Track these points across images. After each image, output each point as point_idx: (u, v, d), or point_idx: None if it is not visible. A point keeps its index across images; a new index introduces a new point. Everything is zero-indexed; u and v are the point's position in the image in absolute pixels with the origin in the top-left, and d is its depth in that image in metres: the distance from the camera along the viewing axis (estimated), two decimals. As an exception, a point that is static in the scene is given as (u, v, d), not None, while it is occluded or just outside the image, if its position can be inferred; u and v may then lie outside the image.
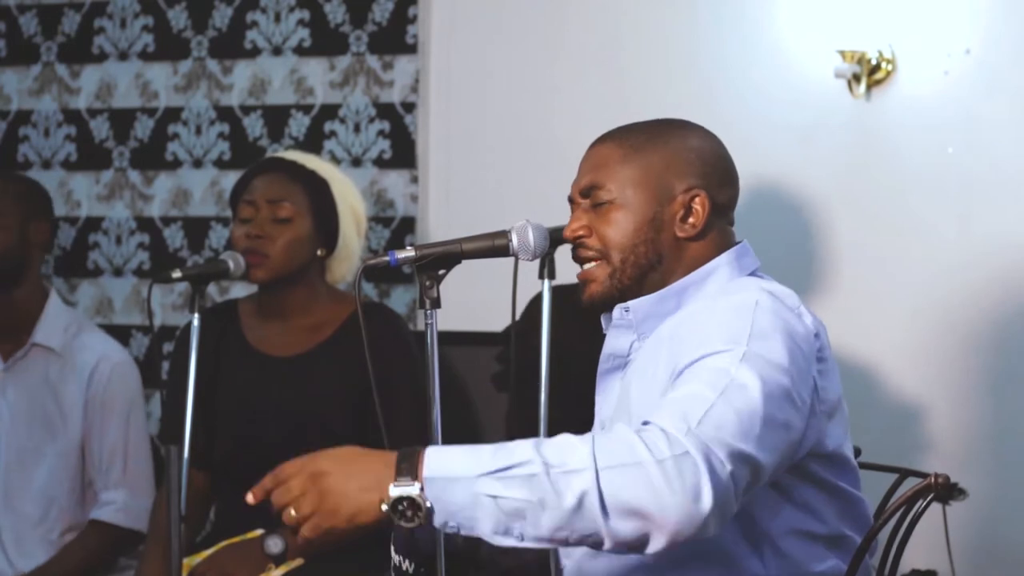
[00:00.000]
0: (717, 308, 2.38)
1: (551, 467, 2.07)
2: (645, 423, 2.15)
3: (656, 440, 2.09)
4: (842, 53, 3.94)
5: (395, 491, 2.09)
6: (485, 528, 2.10)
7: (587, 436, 2.12)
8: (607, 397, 2.59)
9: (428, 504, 2.09)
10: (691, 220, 2.51)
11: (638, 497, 2.06)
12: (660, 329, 2.49)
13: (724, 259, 2.52)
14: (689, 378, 2.24)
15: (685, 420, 2.12)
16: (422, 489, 2.09)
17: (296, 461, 2.20)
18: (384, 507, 2.10)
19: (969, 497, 3.34)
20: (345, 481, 2.13)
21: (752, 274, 2.54)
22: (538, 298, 3.50)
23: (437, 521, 2.10)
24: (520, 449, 2.09)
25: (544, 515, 2.08)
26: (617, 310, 2.54)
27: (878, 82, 3.96)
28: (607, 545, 2.10)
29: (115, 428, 3.86)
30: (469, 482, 2.09)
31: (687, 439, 2.10)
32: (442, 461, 2.10)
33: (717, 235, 2.53)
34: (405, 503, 2.09)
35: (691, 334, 2.35)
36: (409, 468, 2.10)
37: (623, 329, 2.54)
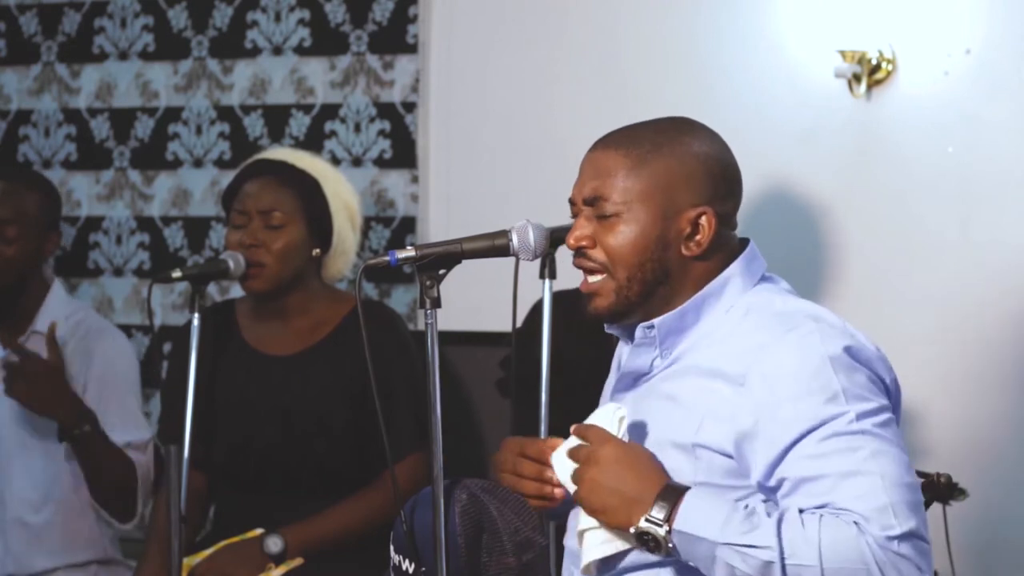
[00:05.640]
0: (785, 360, 2.37)
1: (785, 558, 2.24)
2: (839, 510, 2.27)
3: (877, 548, 2.24)
4: (842, 53, 3.93)
5: (644, 524, 2.31)
6: (719, 572, 2.29)
7: (817, 523, 2.25)
8: None
9: (671, 546, 2.30)
10: (697, 238, 2.47)
11: None
12: (685, 350, 2.48)
13: (736, 268, 2.49)
14: (824, 458, 2.31)
15: (881, 517, 2.25)
16: (669, 532, 2.30)
17: (598, 434, 2.40)
18: (632, 529, 2.32)
19: (969, 497, 3.35)
20: (612, 480, 2.35)
21: (763, 278, 2.52)
22: (541, 303, 3.50)
23: (679, 556, 2.32)
24: (764, 531, 2.26)
25: None
26: (640, 329, 2.50)
27: (878, 82, 3.96)
28: None
29: (121, 400, 3.86)
30: (712, 545, 2.28)
31: (898, 545, 2.25)
32: (696, 515, 2.29)
33: (724, 248, 2.50)
34: (649, 536, 2.31)
35: (766, 392, 2.36)
36: (666, 509, 2.31)
37: (645, 347, 2.51)
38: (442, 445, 2.64)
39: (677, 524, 2.29)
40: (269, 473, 3.59)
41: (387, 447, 2.74)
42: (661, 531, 2.29)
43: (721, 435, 2.37)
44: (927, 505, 2.62)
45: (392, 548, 2.70)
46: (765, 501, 2.35)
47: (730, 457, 2.37)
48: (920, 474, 2.69)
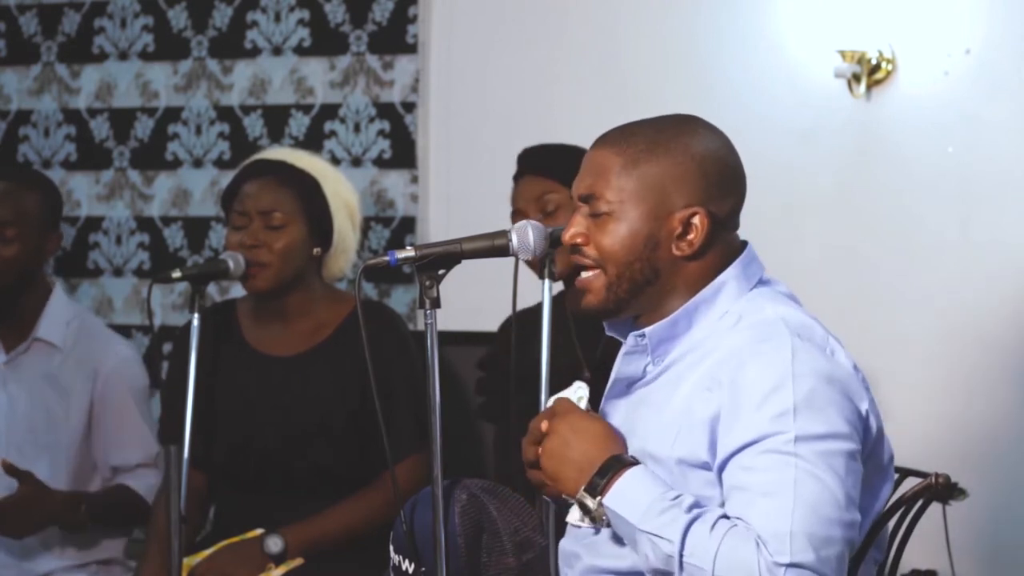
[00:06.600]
0: (751, 370, 2.36)
1: (684, 555, 2.29)
2: (748, 525, 2.29)
3: (766, 571, 2.26)
4: (842, 53, 3.94)
5: (581, 494, 2.39)
6: (640, 558, 2.36)
7: (724, 531, 2.29)
8: (611, 419, 2.57)
9: (604, 520, 2.39)
10: (689, 238, 2.46)
11: None
12: (677, 358, 2.48)
13: (732, 272, 2.49)
14: (753, 472, 2.32)
15: (775, 542, 2.26)
16: (600, 505, 2.37)
17: (559, 406, 2.49)
18: (576, 497, 2.40)
19: (969, 497, 3.35)
20: (564, 450, 2.44)
21: (760, 281, 2.52)
22: (507, 324, 3.50)
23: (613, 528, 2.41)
24: (676, 525, 2.30)
25: None
26: (632, 337, 2.52)
27: (878, 82, 3.97)
28: None
29: (131, 419, 3.86)
30: (632, 527, 2.34)
31: (784, 573, 2.25)
32: (625, 496, 2.36)
33: (719, 249, 2.49)
34: (587, 506, 2.39)
35: (730, 399, 2.36)
36: (603, 481, 2.37)
37: (637, 355, 2.52)
38: (442, 445, 2.64)
39: (607, 499, 2.36)
40: (269, 473, 3.59)
41: (387, 447, 2.74)
42: (592, 502, 2.37)
43: (696, 444, 2.38)
44: (926, 505, 2.62)
45: (392, 548, 2.70)
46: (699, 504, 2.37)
47: (707, 468, 2.38)
48: (918, 474, 2.68)
